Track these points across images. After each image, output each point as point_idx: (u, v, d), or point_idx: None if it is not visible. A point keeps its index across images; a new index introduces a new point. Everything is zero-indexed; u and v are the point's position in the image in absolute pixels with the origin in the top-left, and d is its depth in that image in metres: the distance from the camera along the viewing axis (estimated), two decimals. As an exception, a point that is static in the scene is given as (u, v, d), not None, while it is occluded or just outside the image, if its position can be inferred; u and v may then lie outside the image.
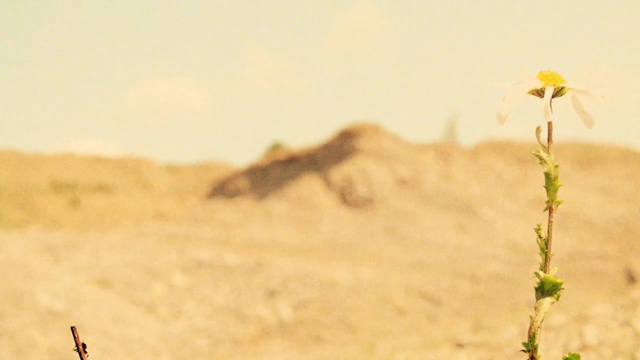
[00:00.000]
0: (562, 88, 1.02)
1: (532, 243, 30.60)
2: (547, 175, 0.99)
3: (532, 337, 1.10)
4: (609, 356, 3.80)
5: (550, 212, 1.00)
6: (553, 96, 1.03)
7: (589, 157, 46.01)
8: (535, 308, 1.03)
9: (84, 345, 1.89)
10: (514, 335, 5.69)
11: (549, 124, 1.01)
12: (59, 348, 17.65)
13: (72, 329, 1.72)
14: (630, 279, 9.17)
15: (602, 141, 48.52)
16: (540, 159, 0.99)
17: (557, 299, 1.00)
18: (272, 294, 22.30)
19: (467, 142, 44.13)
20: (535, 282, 1.04)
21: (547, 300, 1.00)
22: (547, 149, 1.01)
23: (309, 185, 32.64)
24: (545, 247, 1.02)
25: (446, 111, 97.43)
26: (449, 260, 26.90)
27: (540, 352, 4.42)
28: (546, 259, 1.00)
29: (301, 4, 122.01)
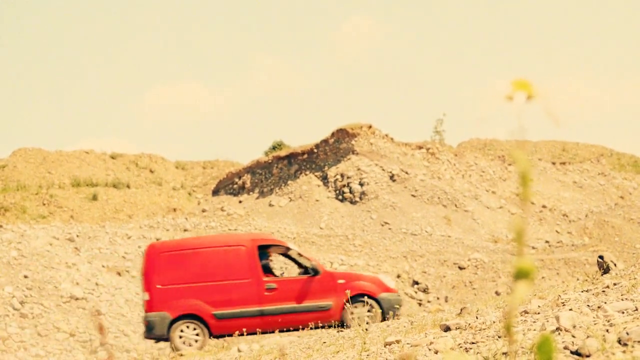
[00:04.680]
0: (533, 94, 1.05)
1: (512, 234, 30.57)
2: (521, 173, 1.00)
3: (509, 320, 1.11)
4: (582, 337, 3.81)
5: (524, 206, 1.02)
6: (524, 101, 1.05)
7: (565, 155, 46.04)
8: (513, 293, 1.04)
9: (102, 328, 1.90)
10: (495, 319, 5.71)
11: (522, 125, 1.02)
12: (80, 330, 17.67)
13: (93, 313, 1.73)
14: (602, 267, 9.19)
15: (577, 140, 48.58)
16: (515, 157, 1.01)
17: (532, 285, 1.01)
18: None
19: (452, 142, 44.09)
20: (512, 269, 1.05)
21: (522, 286, 1.01)
22: (521, 149, 1.03)
23: (308, 182, 32.65)
24: (520, 237, 1.03)
25: (433, 113, 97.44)
26: (436, 250, 26.95)
27: (518, 334, 4.43)
28: (521, 248, 1.02)
29: (302, 15, 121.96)
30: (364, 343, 5.91)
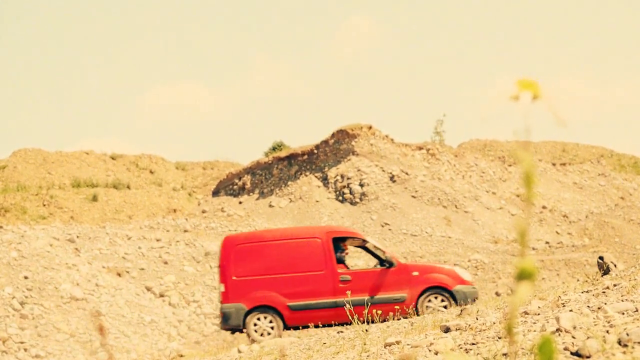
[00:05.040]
0: (538, 94, 1.04)
1: (512, 235, 30.62)
2: (525, 173, 1.00)
3: (510, 320, 1.11)
4: (582, 338, 3.81)
5: (527, 207, 1.02)
6: (530, 101, 1.04)
7: (565, 156, 46.03)
8: (513, 294, 1.04)
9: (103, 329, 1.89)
10: (495, 320, 5.70)
11: (527, 126, 1.02)
12: (80, 331, 17.66)
13: (93, 314, 1.73)
14: (602, 268, 9.19)
15: (577, 141, 48.56)
16: (519, 158, 1.00)
17: (534, 286, 1.01)
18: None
19: (452, 142, 44.07)
20: (513, 270, 1.05)
21: (523, 287, 1.01)
22: (525, 149, 1.02)
23: (308, 182, 32.65)
24: (522, 238, 1.03)
25: (434, 114, 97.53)
26: (436, 251, 26.94)
27: (519, 335, 4.43)
28: (523, 249, 1.01)
29: (302, 15, 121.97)
30: (364, 344, 5.91)
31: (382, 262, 12.90)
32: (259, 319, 12.46)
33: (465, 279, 12.84)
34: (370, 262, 19.42)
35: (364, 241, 13.16)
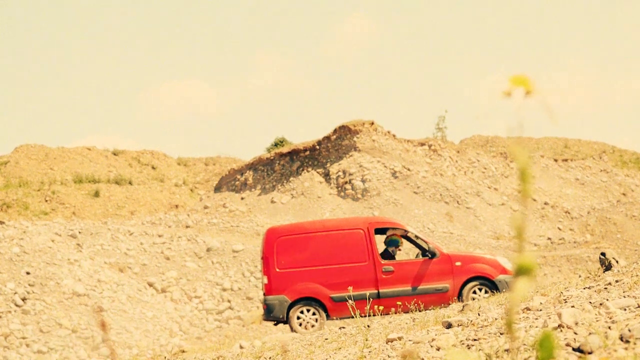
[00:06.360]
0: (531, 90, 1.04)
1: (513, 230, 30.56)
2: (520, 169, 1.00)
3: (510, 317, 1.11)
4: (584, 334, 3.81)
5: (523, 202, 1.02)
6: (523, 97, 1.04)
7: (567, 152, 45.98)
8: (513, 289, 1.04)
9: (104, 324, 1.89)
10: (497, 316, 5.71)
11: (521, 122, 1.02)
12: (82, 327, 17.69)
13: (95, 309, 1.73)
14: (604, 264, 9.20)
15: (579, 137, 48.53)
16: (514, 154, 1.00)
17: (534, 281, 1.01)
18: (276, 277, 22.15)
19: (454, 138, 44.08)
20: (513, 266, 1.05)
21: (523, 282, 1.01)
22: (520, 145, 1.02)
23: (310, 178, 32.65)
24: (520, 233, 1.03)
25: (435, 110, 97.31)
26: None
27: (520, 331, 4.43)
28: (521, 245, 1.01)
29: (304, 13, 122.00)
30: (366, 340, 5.91)
31: (424, 252, 12.90)
32: (302, 311, 12.51)
33: (507, 269, 12.84)
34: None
35: (406, 231, 13.13)
